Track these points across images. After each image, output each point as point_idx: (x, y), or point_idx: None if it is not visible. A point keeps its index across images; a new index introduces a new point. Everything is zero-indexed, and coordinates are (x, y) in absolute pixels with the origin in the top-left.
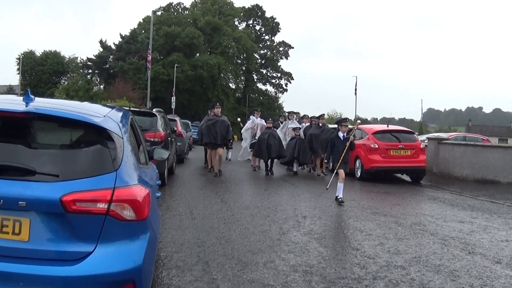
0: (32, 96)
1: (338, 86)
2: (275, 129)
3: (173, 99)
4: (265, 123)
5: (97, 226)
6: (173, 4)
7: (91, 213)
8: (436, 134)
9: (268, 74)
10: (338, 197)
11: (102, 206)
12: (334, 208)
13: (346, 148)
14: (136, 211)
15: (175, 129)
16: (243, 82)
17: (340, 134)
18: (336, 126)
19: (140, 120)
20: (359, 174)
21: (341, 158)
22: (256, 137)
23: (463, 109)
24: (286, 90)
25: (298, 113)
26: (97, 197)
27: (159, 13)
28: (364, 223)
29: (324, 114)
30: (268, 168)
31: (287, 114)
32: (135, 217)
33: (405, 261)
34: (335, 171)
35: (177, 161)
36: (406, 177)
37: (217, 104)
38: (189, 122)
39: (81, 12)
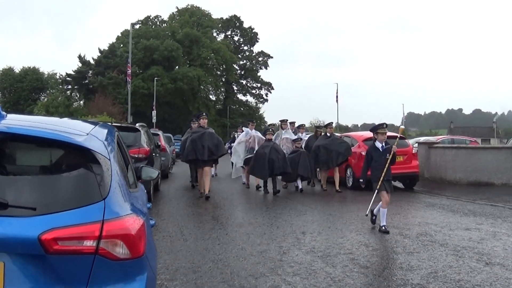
0: (4, 113)
1: (319, 94)
2: (276, 142)
3: (154, 113)
4: (261, 135)
5: (85, 269)
6: (151, 17)
7: (77, 253)
8: (424, 138)
9: (248, 84)
10: (381, 226)
11: (89, 244)
12: (332, 221)
13: (388, 161)
14: (130, 248)
15: (159, 143)
16: (223, 94)
17: (378, 144)
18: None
19: (123, 136)
20: (350, 183)
21: (383, 175)
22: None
23: (443, 112)
24: (266, 100)
25: (294, 122)
26: (83, 233)
27: (137, 26)
28: (368, 236)
29: (332, 123)
30: (270, 187)
31: (279, 123)
32: (130, 255)
33: (422, 278)
34: (375, 192)
35: (161, 177)
36: (398, 184)
37: (203, 114)
38: (171, 136)
39: (58, 27)
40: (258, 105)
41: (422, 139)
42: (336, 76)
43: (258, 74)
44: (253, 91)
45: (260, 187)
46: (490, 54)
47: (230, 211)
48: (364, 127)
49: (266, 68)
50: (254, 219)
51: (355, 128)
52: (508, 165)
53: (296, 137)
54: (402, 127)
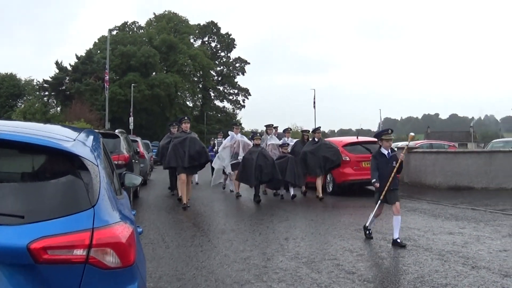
0: None
1: (296, 100)
2: (264, 147)
3: (131, 119)
4: (247, 140)
5: (75, 278)
6: (128, 23)
7: (67, 262)
8: (403, 143)
9: (225, 90)
10: (396, 239)
11: (80, 252)
12: (314, 227)
13: (395, 170)
14: (120, 256)
15: (138, 150)
16: (200, 100)
17: (384, 151)
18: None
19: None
20: (330, 188)
21: (387, 185)
22: (240, 158)
23: (420, 117)
24: (243, 106)
25: (277, 127)
26: (73, 241)
27: (114, 32)
28: (351, 241)
29: (320, 127)
30: (257, 194)
31: (265, 128)
32: (120, 263)
33: (409, 283)
34: (378, 202)
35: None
36: None
37: (185, 118)
38: (149, 143)
39: (36, 33)
40: (235, 111)
41: (400, 144)
42: (313, 82)
43: (235, 80)
44: (230, 97)
45: (240, 195)
46: (466, 59)
47: (212, 218)
48: (341, 132)
49: (243, 74)
50: (236, 226)
51: (332, 133)
52: (487, 169)
53: (282, 142)
54: (412, 134)
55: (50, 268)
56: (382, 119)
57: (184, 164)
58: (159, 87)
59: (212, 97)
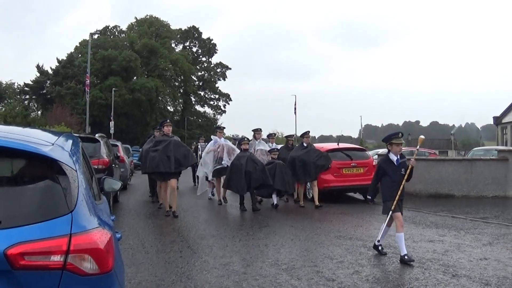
0: None
1: (277, 106)
2: (252, 153)
3: (112, 123)
4: (231, 144)
5: (53, 284)
6: (109, 28)
7: (44, 268)
8: (383, 150)
9: (206, 96)
10: (403, 256)
11: (57, 259)
12: (294, 233)
13: (405, 178)
14: (98, 263)
15: (118, 154)
16: (181, 105)
17: (393, 157)
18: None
19: (83, 146)
20: (311, 195)
21: (398, 194)
22: (224, 163)
23: (400, 124)
24: (224, 111)
25: (260, 129)
26: (51, 247)
27: (95, 36)
28: (332, 248)
29: (308, 132)
30: (252, 203)
31: (253, 132)
32: (98, 270)
33: None
34: (389, 214)
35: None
36: (358, 195)
37: (167, 121)
38: (130, 147)
39: (17, 36)
40: (216, 116)
41: (381, 151)
42: (294, 88)
43: (216, 85)
44: (211, 102)
45: (221, 203)
46: (447, 67)
47: (191, 223)
48: (322, 139)
49: (224, 80)
50: (216, 232)
51: (313, 139)
52: (468, 177)
53: (272, 147)
54: (422, 137)
55: (27, 274)
56: (363, 126)
57: (171, 169)
58: (140, 92)
59: (193, 102)
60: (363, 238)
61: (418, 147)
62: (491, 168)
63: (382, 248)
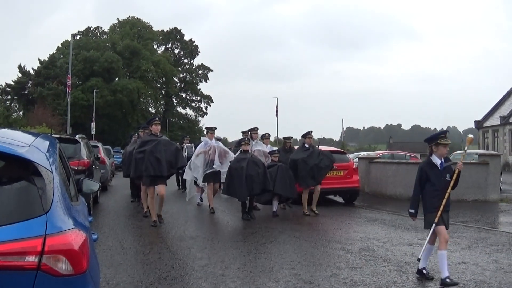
0: None
1: (258, 108)
2: (253, 154)
3: (93, 124)
4: (223, 146)
5: (27, 285)
6: (91, 29)
7: (18, 269)
8: (364, 153)
9: (188, 97)
10: (444, 279)
11: (31, 259)
12: (273, 235)
13: (451, 185)
14: (73, 264)
15: (98, 156)
16: (162, 106)
17: (437, 160)
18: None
19: (63, 148)
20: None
21: (443, 204)
22: (215, 166)
23: (382, 127)
24: (206, 113)
25: (257, 128)
26: (25, 248)
27: (77, 37)
28: (310, 250)
29: (311, 132)
30: (247, 210)
31: (248, 132)
32: (73, 271)
33: None
34: (432, 227)
35: (101, 189)
36: (338, 198)
37: (156, 119)
38: (111, 148)
39: None
40: (197, 118)
41: (362, 154)
42: (276, 91)
43: (198, 87)
44: (193, 104)
45: (214, 212)
46: (429, 70)
47: (171, 225)
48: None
49: (206, 82)
50: (195, 233)
51: (294, 142)
52: None
53: (272, 148)
54: (471, 136)
55: (1, 274)
56: (345, 129)
57: (162, 172)
58: (121, 93)
59: (175, 104)
60: (342, 241)
61: (466, 148)
62: (471, 172)
63: (427, 272)
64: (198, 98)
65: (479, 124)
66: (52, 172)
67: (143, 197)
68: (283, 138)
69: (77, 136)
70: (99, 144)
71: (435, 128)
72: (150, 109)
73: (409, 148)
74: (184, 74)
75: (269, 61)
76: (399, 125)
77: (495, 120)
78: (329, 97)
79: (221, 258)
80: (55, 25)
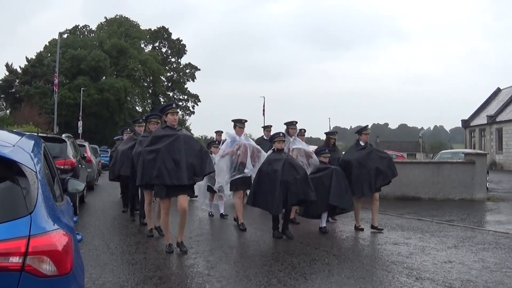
0: None
1: (246, 107)
2: (289, 154)
3: (80, 123)
4: (256, 145)
5: (11, 286)
6: (79, 27)
7: (2, 269)
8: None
9: (175, 96)
10: None
11: (15, 260)
12: (259, 235)
13: None
14: (57, 265)
15: (85, 155)
16: (150, 105)
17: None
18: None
19: (49, 147)
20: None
21: None
22: (247, 171)
23: (369, 126)
24: (193, 112)
25: (296, 122)
26: (9, 249)
27: (65, 36)
28: (297, 249)
29: (367, 126)
30: (282, 226)
31: (286, 127)
32: (57, 271)
33: None
34: None
35: (87, 189)
36: None
37: (173, 105)
38: (97, 147)
39: None
40: (184, 117)
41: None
42: (263, 90)
43: (185, 86)
44: (180, 103)
45: (245, 228)
46: (415, 70)
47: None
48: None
49: (193, 81)
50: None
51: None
52: (435, 179)
53: (320, 148)
54: None
55: None
56: (332, 128)
57: (182, 180)
58: (108, 92)
59: (162, 103)
60: (327, 244)
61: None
62: (458, 171)
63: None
64: (185, 97)
65: (466, 123)
66: (36, 172)
67: (147, 211)
68: (326, 133)
69: (63, 135)
70: (86, 143)
71: (422, 127)
72: (137, 108)
73: (396, 147)
74: (172, 73)
75: (256, 60)
76: (386, 124)
77: (482, 119)
78: (316, 96)
79: (206, 258)
80: (43, 23)
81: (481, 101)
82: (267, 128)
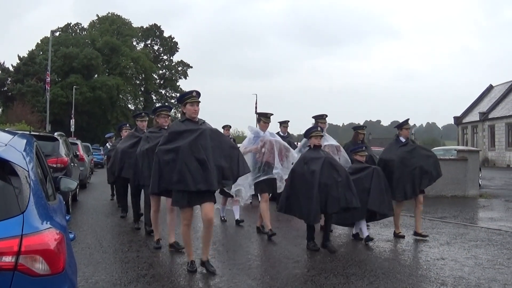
0: None
1: (238, 105)
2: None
3: (72, 121)
4: (283, 141)
5: (4, 285)
6: (71, 25)
7: None
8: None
9: (167, 94)
10: None
11: (8, 260)
12: (252, 233)
13: None
14: (50, 264)
15: (77, 153)
16: (142, 103)
17: None
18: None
19: (42, 145)
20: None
21: None
22: (277, 171)
23: (362, 123)
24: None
25: (326, 115)
26: (2, 248)
27: (57, 34)
28: (290, 248)
29: (408, 120)
30: (322, 238)
31: (314, 120)
32: (49, 270)
33: None
34: None
35: (80, 187)
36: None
37: (193, 93)
38: (90, 146)
39: None
40: (177, 115)
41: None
42: (256, 88)
43: (178, 83)
44: (172, 101)
45: (274, 233)
46: (407, 67)
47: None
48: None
49: (185, 78)
50: (176, 231)
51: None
52: None
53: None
54: None
55: None
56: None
57: (211, 185)
58: (101, 90)
59: (154, 101)
60: (320, 237)
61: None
62: (450, 168)
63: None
64: (178, 94)
65: (458, 120)
66: (28, 171)
67: (153, 219)
68: (354, 128)
69: (55, 133)
70: (78, 142)
71: (414, 124)
72: (129, 105)
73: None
74: (164, 70)
75: (248, 58)
76: (379, 121)
77: (474, 116)
78: (308, 94)
79: (199, 256)
80: (34, 21)
81: (473, 98)
82: (284, 123)
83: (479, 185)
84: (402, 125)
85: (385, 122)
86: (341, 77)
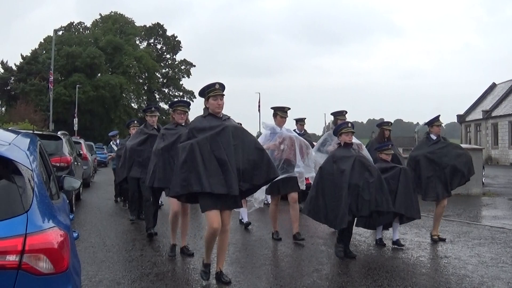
0: None
1: (241, 103)
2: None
3: (75, 120)
4: (302, 138)
5: (8, 284)
6: (74, 24)
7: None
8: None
9: (170, 93)
10: None
11: (12, 258)
12: (255, 231)
13: None
14: (54, 262)
15: (81, 152)
16: (145, 102)
17: None
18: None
19: (45, 144)
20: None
21: None
22: (298, 170)
23: (365, 121)
24: (189, 108)
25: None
26: (6, 247)
27: (60, 33)
28: (292, 246)
29: (439, 116)
30: (341, 243)
31: (333, 117)
32: (53, 269)
33: None
34: None
35: (83, 186)
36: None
37: (215, 86)
38: (93, 144)
39: None
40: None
41: None
42: (259, 86)
43: (181, 82)
44: (175, 100)
45: (276, 233)
46: (410, 65)
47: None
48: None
49: (188, 77)
50: (178, 230)
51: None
52: None
53: (380, 143)
54: None
55: None
56: (327, 124)
57: (232, 188)
58: (104, 89)
59: (157, 99)
60: (323, 237)
61: None
62: None
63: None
64: (181, 93)
65: (461, 118)
66: (32, 170)
67: (172, 223)
68: (379, 124)
69: (59, 132)
70: (81, 140)
71: (417, 123)
72: (132, 104)
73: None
74: (167, 69)
75: (251, 56)
76: (381, 120)
77: (477, 114)
78: (311, 92)
79: (202, 255)
80: (38, 20)
81: (476, 96)
82: (300, 121)
83: (483, 183)
84: (432, 122)
85: (388, 120)
86: (344, 75)
